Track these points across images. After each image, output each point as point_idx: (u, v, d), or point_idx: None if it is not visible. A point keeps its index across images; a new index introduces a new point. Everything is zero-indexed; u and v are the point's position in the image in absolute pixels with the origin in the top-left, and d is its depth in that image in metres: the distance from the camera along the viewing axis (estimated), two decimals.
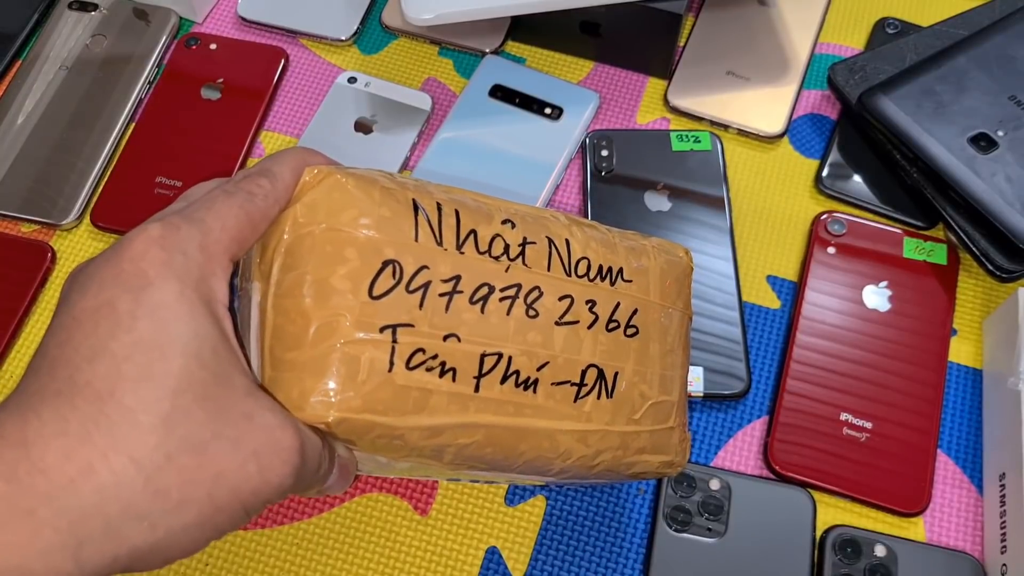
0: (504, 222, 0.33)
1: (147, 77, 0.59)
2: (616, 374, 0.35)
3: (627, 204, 0.53)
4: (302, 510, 0.46)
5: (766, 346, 0.50)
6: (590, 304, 0.34)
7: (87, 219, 0.55)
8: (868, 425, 0.46)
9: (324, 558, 0.45)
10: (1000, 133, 0.50)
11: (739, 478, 0.45)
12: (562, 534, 0.45)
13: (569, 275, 0.34)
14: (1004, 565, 0.42)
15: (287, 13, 0.61)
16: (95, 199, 0.55)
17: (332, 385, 0.28)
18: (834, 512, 0.45)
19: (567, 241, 0.34)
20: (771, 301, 0.51)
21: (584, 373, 0.34)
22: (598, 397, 0.34)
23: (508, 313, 0.32)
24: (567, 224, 0.35)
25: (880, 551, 0.43)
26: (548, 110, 0.56)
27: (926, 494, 0.45)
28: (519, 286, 0.32)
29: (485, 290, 0.31)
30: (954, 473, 0.46)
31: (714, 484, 0.45)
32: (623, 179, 0.54)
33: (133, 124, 0.58)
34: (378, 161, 0.55)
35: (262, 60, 0.60)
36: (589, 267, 0.35)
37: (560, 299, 0.33)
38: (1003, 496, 0.43)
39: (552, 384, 0.33)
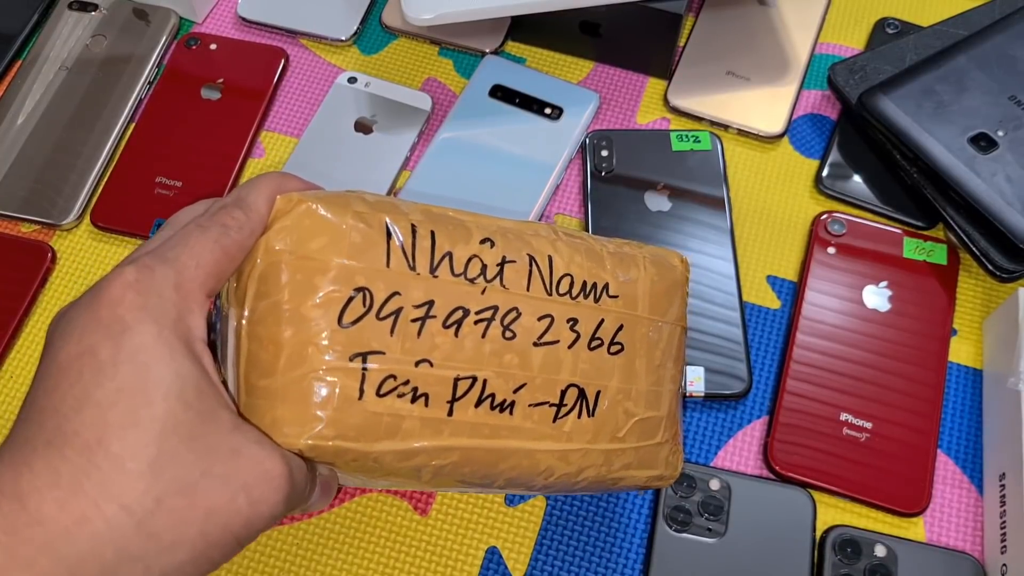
0: (483, 241, 0.33)
1: (147, 77, 0.59)
2: (598, 392, 0.34)
3: (627, 204, 0.53)
4: None
5: (766, 346, 0.50)
6: (571, 323, 0.34)
7: (87, 219, 0.55)
8: (868, 425, 0.46)
9: (324, 558, 0.45)
10: (1000, 133, 0.50)
11: (739, 478, 0.45)
12: (562, 534, 0.45)
13: (550, 294, 0.33)
14: (1004, 565, 0.42)
15: (287, 13, 0.61)
16: (95, 199, 0.55)
17: (303, 413, 0.28)
18: (834, 512, 0.45)
19: (550, 258, 0.34)
20: (771, 301, 0.51)
21: (564, 393, 0.33)
22: (579, 416, 0.34)
23: (483, 336, 0.32)
24: (552, 240, 0.35)
25: (880, 551, 0.43)
26: (548, 110, 0.56)
27: (926, 494, 0.45)
28: (495, 308, 0.32)
29: (459, 313, 0.31)
30: (954, 473, 0.46)
31: (714, 484, 0.45)
32: (623, 179, 0.54)
33: (133, 124, 0.58)
34: (378, 161, 0.55)
35: (262, 60, 0.60)
36: (572, 284, 0.34)
37: (539, 319, 0.33)
38: (1003, 496, 0.43)
39: (530, 405, 0.32)
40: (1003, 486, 0.44)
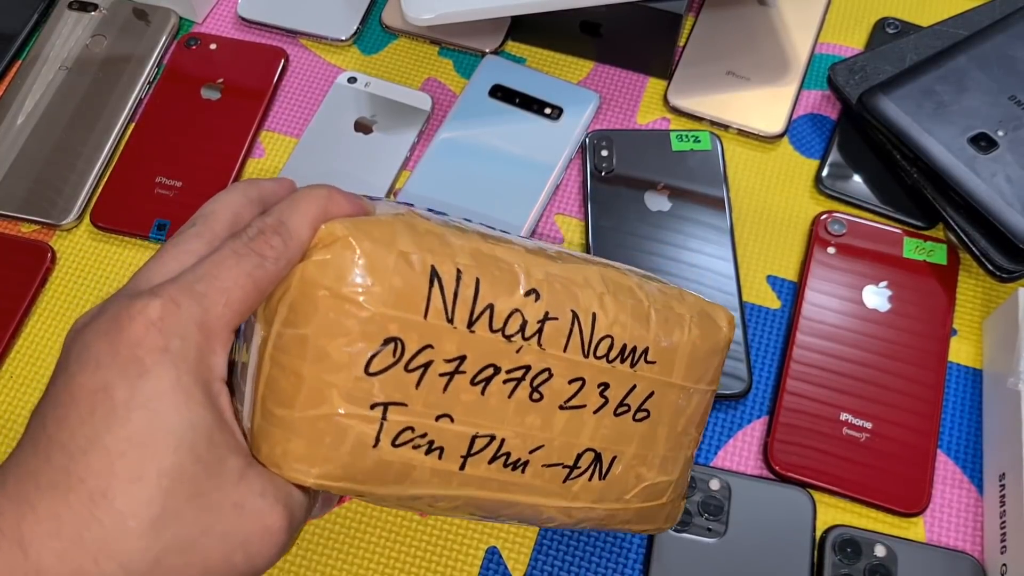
0: (528, 293, 0.31)
1: (147, 77, 0.59)
2: (614, 458, 0.34)
3: (627, 204, 0.53)
4: None
5: (766, 346, 0.50)
6: (602, 387, 0.33)
7: (87, 219, 0.55)
8: (868, 425, 0.46)
9: (324, 558, 0.45)
10: (1000, 133, 0.50)
11: (739, 478, 0.45)
12: (562, 534, 0.45)
13: (586, 356, 0.32)
14: (1004, 565, 0.42)
15: (287, 13, 0.61)
16: (95, 199, 0.55)
17: (316, 452, 0.28)
18: (834, 512, 0.45)
19: (594, 316, 0.32)
20: (771, 301, 0.51)
21: (580, 456, 0.33)
22: (589, 479, 0.33)
23: (510, 396, 0.31)
24: (599, 293, 0.33)
25: (880, 551, 0.43)
26: (548, 110, 0.56)
27: (926, 494, 0.45)
28: (527, 368, 0.31)
29: (490, 371, 0.30)
30: (954, 473, 0.46)
31: (714, 484, 0.45)
32: (623, 179, 0.54)
33: (133, 124, 0.58)
34: (378, 161, 0.55)
35: (262, 60, 0.60)
36: (611, 347, 0.33)
37: (570, 382, 0.32)
38: (1003, 496, 0.43)
39: (543, 465, 0.32)
40: (1003, 486, 0.44)
